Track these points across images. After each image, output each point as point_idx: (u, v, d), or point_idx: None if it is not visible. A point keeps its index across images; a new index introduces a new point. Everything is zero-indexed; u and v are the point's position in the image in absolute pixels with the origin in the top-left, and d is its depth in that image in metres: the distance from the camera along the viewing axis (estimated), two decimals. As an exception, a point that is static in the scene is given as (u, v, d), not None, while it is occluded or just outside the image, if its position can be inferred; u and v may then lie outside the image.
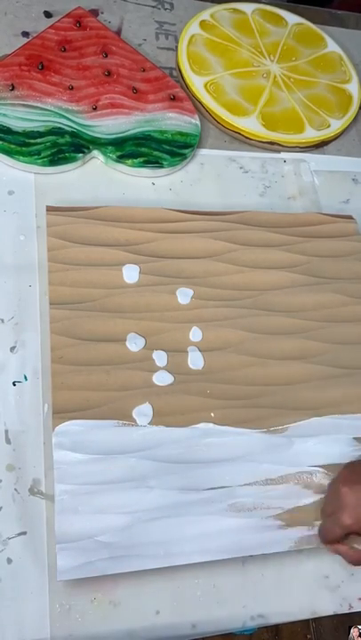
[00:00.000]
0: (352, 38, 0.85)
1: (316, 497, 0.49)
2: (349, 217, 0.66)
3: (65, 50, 0.65)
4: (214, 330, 0.55)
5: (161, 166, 0.63)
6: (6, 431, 0.48)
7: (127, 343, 0.52)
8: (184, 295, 0.55)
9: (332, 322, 0.58)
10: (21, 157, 0.58)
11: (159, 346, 0.52)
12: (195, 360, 0.53)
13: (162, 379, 0.51)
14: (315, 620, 0.48)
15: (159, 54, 0.73)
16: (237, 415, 0.51)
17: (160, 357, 0.52)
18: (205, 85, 0.70)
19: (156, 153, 0.63)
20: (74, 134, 0.60)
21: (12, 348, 0.51)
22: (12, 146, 0.58)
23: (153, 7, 0.76)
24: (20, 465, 0.47)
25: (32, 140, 0.59)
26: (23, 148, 0.58)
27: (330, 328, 0.58)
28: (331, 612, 0.48)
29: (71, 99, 0.62)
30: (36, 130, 0.59)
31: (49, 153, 0.59)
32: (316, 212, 0.66)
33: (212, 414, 0.51)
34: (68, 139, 0.60)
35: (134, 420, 0.49)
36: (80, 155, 0.60)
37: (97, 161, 0.62)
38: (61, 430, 0.47)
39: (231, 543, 0.46)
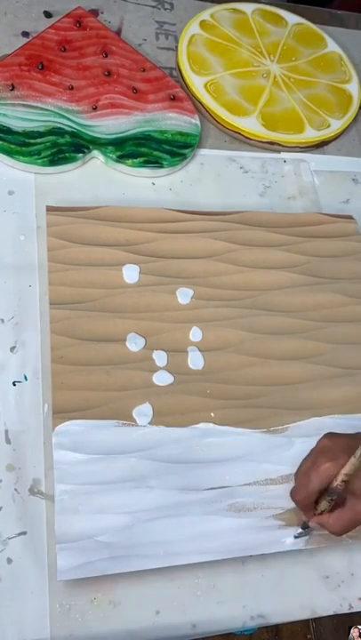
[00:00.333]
0: (352, 38, 0.85)
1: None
2: (349, 217, 0.66)
3: (65, 50, 0.65)
4: (214, 330, 0.55)
5: (161, 166, 0.63)
6: (6, 431, 0.48)
7: (127, 343, 0.52)
8: (184, 295, 0.55)
9: (331, 322, 0.58)
10: (21, 157, 0.58)
11: (159, 346, 0.52)
12: (195, 360, 0.53)
13: (162, 379, 0.51)
14: (315, 619, 0.48)
15: (159, 54, 0.73)
16: (237, 415, 0.51)
17: (160, 357, 0.52)
18: (205, 85, 0.70)
19: (156, 153, 0.63)
20: (74, 134, 0.60)
21: (12, 348, 0.51)
22: (12, 146, 0.58)
23: (153, 7, 0.76)
24: (20, 465, 0.47)
25: (32, 140, 0.59)
26: (23, 148, 0.58)
27: (330, 328, 0.58)
28: (331, 612, 0.48)
29: (71, 99, 0.62)
30: (36, 130, 0.59)
31: (49, 153, 0.59)
32: (316, 212, 0.67)
33: (212, 414, 0.51)
34: (68, 139, 0.60)
35: (134, 420, 0.49)
36: (80, 155, 0.60)
37: (97, 161, 0.62)
38: (61, 430, 0.47)
39: (231, 543, 0.46)
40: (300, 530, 0.47)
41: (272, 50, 0.77)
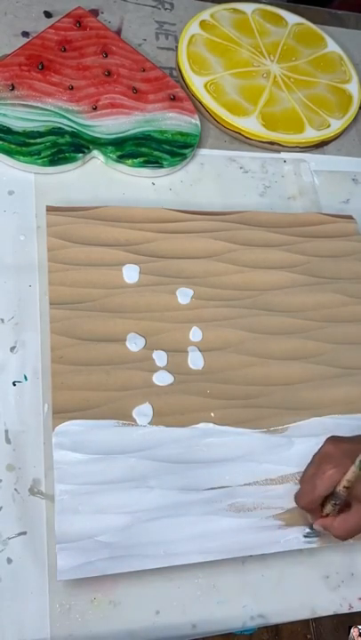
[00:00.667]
0: (352, 38, 0.85)
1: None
2: (349, 217, 0.66)
3: (65, 50, 0.65)
4: (214, 330, 0.55)
5: (161, 166, 0.63)
6: (6, 431, 0.48)
7: (127, 343, 0.52)
8: (184, 295, 0.55)
9: (332, 322, 0.58)
10: (21, 157, 0.58)
11: (159, 346, 0.52)
12: (195, 360, 0.53)
13: (162, 379, 0.51)
14: (315, 619, 0.48)
15: (159, 54, 0.73)
16: (237, 415, 0.51)
17: (160, 357, 0.52)
18: (205, 85, 0.70)
19: (156, 153, 0.63)
20: (74, 134, 0.60)
21: (12, 348, 0.51)
22: (12, 146, 0.58)
23: (153, 7, 0.76)
24: (20, 465, 0.47)
25: (32, 140, 0.59)
26: (23, 148, 0.58)
27: (330, 328, 0.58)
28: (331, 612, 0.48)
29: (71, 99, 0.62)
30: (36, 130, 0.59)
31: (49, 153, 0.59)
32: (317, 212, 0.67)
33: (212, 414, 0.51)
34: (68, 139, 0.60)
35: (134, 420, 0.49)
36: (80, 155, 0.60)
37: (97, 161, 0.62)
38: (61, 430, 0.47)
39: (231, 543, 0.46)
40: (307, 530, 0.47)
41: (272, 50, 0.77)
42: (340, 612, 0.48)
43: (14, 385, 0.49)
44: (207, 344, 0.54)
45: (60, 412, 0.48)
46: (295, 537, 0.48)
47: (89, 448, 0.47)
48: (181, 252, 0.58)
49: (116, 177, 0.62)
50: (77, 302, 0.52)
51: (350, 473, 0.43)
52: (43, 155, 0.59)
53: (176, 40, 0.74)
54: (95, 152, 0.62)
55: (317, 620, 0.48)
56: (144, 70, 0.67)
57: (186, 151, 0.64)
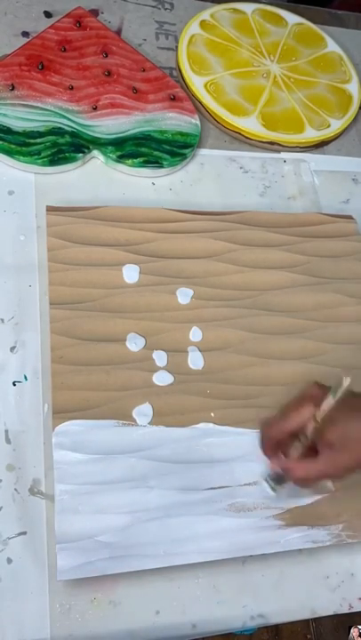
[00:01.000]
0: (352, 38, 0.85)
1: (317, 497, 0.49)
2: (349, 217, 0.66)
3: (65, 50, 0.65)
4: (214, 330, 0.55)
5: (161, 166, 0.63)
6: (6, 431, 0.48)
7: (127, 343, 0.52)
8: (184, 295, 0.55)
9: (332, 322, 0.58)
10: (21, 157, 0.58)
11: (159, 346, 0.52)
12: (195, 360, 0.53)
13: (162, 379, 0.51)
14: (315, 619, 0.48)
15: (159, 54, 0.73)
16: (237, 415, 0.51)
17: (160, 357, 0.52)
18: (205, 85, 0.70)
19: (156, 153, 0.63)
20: (74, 134, 0.60)
21: (12, 348, 0.51)
22: (12, 146, 0.58)
23: (153, 7, 0.76)
24: (20, 465, 0.47)
25: (32, 140, 0.59)
26: (23, 148, 0.58)
27: (330, 328, 0.58)
28: (331, 612, 0.48)
29: (71, 99, 0.62)
30: (36, 130, 0.59)
31: (49, 153, 0.59)
32: (317, 212, 0.66)
33: (212, 414, 0.51)
34: (68, 139, 0.60)
35: (134, 420, 0.49)
36: (80, 155, 0.60)
37: (97, 161, 0.62)
38: (61, 430, 0.47)
39: (231, 543, 0.46)
40: (268, 472, 0.47)
41: (272, 50, 0.77)
42: (340, 612, 0.48)
43: (14, 385, 0.49)
44: (207, 344, 0.54)
45: (60, 412, 0.48)
46: (295, 537, 0.48)
47: (89, 448, 0.47)
48: (181, 252, 0.58)
49: (116, 177, 0.62)
50: (77, 302, 0.52)
51: (325, 403, 0.42)
52: (43, 155, 0.59)
53: (176, 40, 0.74)
54: (95, 152, 0.62)
55: (317, 620, 0.48)
56: (144, 70, 0.67)
57: (186, 151, 0.64)
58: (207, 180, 0.66)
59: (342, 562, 0.50)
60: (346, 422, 0.42)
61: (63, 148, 0.59)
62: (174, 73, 0.72)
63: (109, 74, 0.65)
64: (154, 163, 0.62)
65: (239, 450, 0.50)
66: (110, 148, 0.61)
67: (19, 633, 0.42)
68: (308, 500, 0.49)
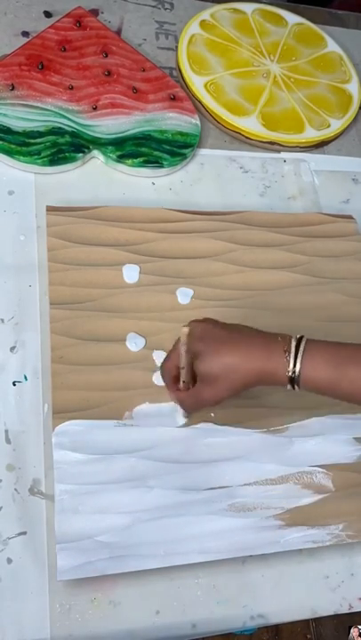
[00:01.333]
0: (352, 38, 0.85)
1: (317, 497, 0.49)
2: (349, 217, 0.66)
3: (65, 50, 0.65)
4: (214, 330, 0.54)
5: (161, 166, 0.63)
6: (6, 431, 0.48)
7: (127, 343, 0.52)
8: (184, 295, 0.55)
9: (332, 322, 0.58)
10: (21, 157, 0.58)
11: (159, 346, 0.52)
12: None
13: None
14: (315, 619, 0.48)
15: (159, 54, 0.73)
16: (237, 415, 0.51)
17: (160, 357, 0.52)
18: (205, 85, 0.70)
19: (156, 153, 0.63)
20: (74, 134, 0.60)
21: (12, 348, 0.51)
22: (12, 146, 0.58)
23: (153, 7, 0.76)
24: (20, 465, 0.47)
25: (32, 140, 0.59)
26: (23, 148, 0.58)
27: (330, 328, 0.58)
28: (331, 612, 0.48)
29: (71, 98, 0.62)
30: (36, 130, 0.59)
31: (49, 153, 0.59)
32: (317, 211, 0.66)
33: (212, 414, 0.51)
34: (68, 138, 0.60)
35: (134, 420, 0.49)
36: (80, 155, 0.60)
37: (97, 161, 0.62)
38: (61, 430, 0.47)
39: (231, 543, 0.46)
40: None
41: (272, 50, 0.77)
42: (340, 612, 0.48)
43: (14, 385, 0.49)
44: (207, 344, 0.54)
45: (60, 412, 0.48)
46: (295, 537, 0.48)
47: (89, 448, 0.47)
48: (181, 252, 0.58)
49: (116, 177, 0.62)
50: (77, 302, 0.52)
51: (181, 347, 0.43)
52: (43, 155, 0.58)
53: (176, 40, 0.74)
54: (95, 152, 0.61)
55: (317, 620, 0.48)
56: (144, 70, 0.67)
57: (186, 151, 0.64)
58: (207, 179, 0.66)
59: (342, 562, 0.50)
60: (210, 356, 0.43)
61: (63, 147, 0.59)
62: (174, 73, 0.72)
63: (109, 74, 0.65)
64: (154, 163, 0.62)
65: (239, 450, 0.50)
66: (110, 147, 0.61)
67: (19, 633, 0.42)
68: (308, 499, 0.49)
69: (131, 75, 0.66)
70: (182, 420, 0.50)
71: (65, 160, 0.59)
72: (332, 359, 0.43)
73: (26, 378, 0.50)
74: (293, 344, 0.43)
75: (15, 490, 0.46)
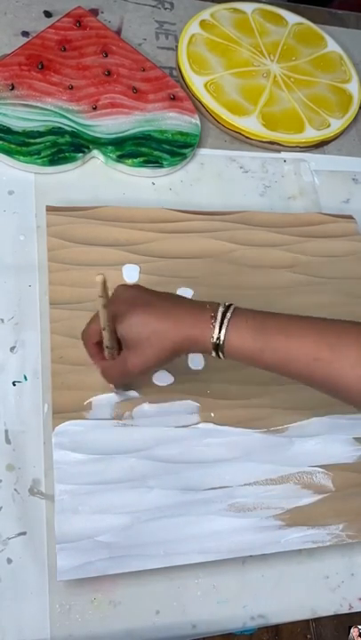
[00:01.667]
0: (352, 38, 0.85)
1: (317, 497, 0.49)
2: (350, 217, 0.66)
3: (65, 49, 0.65)
4: (214, 330, 0.54)
5: (161, 166, 0.63)
6: (6, 431, 0.48)
7: (127, 343, 0.52)
8: (184, 295, 0.55)
9: (332, 322, 0.58)
10: (21, 157, 0.58)
11: (159, 346, 0.52)
12: (195, 360, 0.53)
13: (162, 379, 0.51)
14: (315, 619, 0.48)
15: (159, 54, 0.73)
16: (237, 415, 0.51)
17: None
18: (205, 85, 0.70)
19: (156, 153, 0.63)
20: (74, 134, 0.60)
21: (12, 348, 0.51)
22: (12, 146, 0.58)
23: (153, 7, 0.76)
24: (20, 465, 0.47)
25: (32, 140, 0.59)
26: (23, 148, 0.58)
27: (330, 328, 0.58)
28: (331, 612, 0.48)
29: (71, 98, 0.62)
30: (35, 129, 0.59)
31: (49, 153, 0.59)
32: (317, 211, 0.66)
33: (212, 414, 0.51)
34: (68, 138, 0.60)
35: (134, 421, 0.49)
36: (80, 154, 0.60)
37: (97, 161, 0.62)
38: (61, 430, 0.47)
39: (231, 543, 0.46)
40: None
41: (272, 49, 0.77)
42: (340, 613, 0.48)
43: (14, 385, 0.49)
44: (207, 344, 0.54)
45: (60, 412, 0.48)
46: (295, 537, 0.48)
47: (89, 448, 0.47)
48: (181, 251, 0.58)
49: (116, 177, 0.62)
50: (77, 302, 0.52)
51: (97, 304, 0.40)
52: (43, 154, 0.58)
53: (176, 40, 0.74)
54: (95, 152, 0.61)
55: (317, 620, 0.48)
56: (144, 70, 0.67)
57: (186, 151, 0.64)
58: (207, 179, 0.66)
59: (342, 562, 0.50)
60: (138, 320, 0.41)
61: (63, 147, 0.59)
62: (174, 73, 0.72)
63: (109, 73, 0.65)
64: (154, 162, 0.62)
65: (239, 450, 0.50)
66: (110, 147, 0.61)
67: (19, 633, 0.42)
68: (308, 500, 0.49)
69: (131, 74, 0.66)
70: (116, 398, 0.48)
71: (65, 160, 0.59)
72: (258, 328, 0.42)
73: (26, 378, 0.50)
74: (220, 311, 0.42)
75: (15, 490, 0.46)
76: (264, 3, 0.82)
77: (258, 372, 0.54)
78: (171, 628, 0.45)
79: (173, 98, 0.66)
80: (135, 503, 0.46)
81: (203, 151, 0.68)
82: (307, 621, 0.48)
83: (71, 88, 0.63)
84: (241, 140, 0.70)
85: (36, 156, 0.58)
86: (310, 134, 0.71)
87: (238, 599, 0.47)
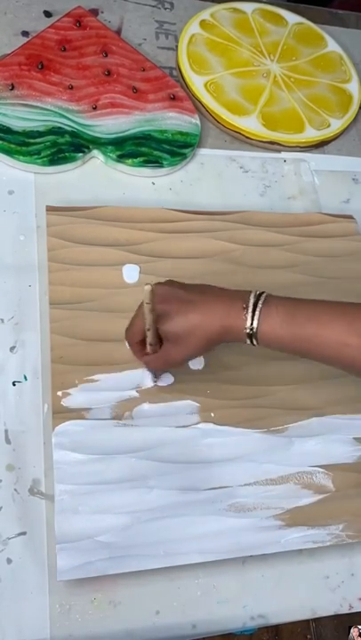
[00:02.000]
0: (352, 38, 0.85)
1: (317, 497, 0.49)
2: (350, 217, 0.66)
3: (65, 49, 0.65)
4: (214, 330, 0.54)
5: (161, 166, 0.63)
6: (6, 431, 0.48)
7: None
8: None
9: (332, 322, 0.58)
10: (21, 157, 0.58)
11: (159, 346, 0.52)
12: (195, 360, 0.53)
13: (162, 379, 0.51)
14: (315, 620, 0.48)
15: (159, 54, 0.73)
16: (237, 415, 0.51)
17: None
18: (205, 85, 0.70)
19: (156, 152, 0.63)
20: (74, 134, 0.60)
21: (12, 348, 0.51)
22: (12, 145, 0.58)
23: (153, 7, 0.76)
24: (20, 465, 0.47)
25: (32, 140, 0.59)
26: (23, 148, 0.58)
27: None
28: (331, 612, 0.48)
29: (71, 98, 0.62)
30: (35, 129, 0.59)
31: (49, 153, 0.59)
32: (317, 211, 0.66)
33: (212, 414, 0.51)
34: (67, 138, 0.60)
35: (134, 421, 0.49)
36: (80, 154, 0.60)
37: (97, 161, 0.62)
38: (61, 430, 0.47)
39: (231, 543, 0.46)
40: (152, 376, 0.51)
41: (272, 49, 0.77)
42: (340, 613, 0.48)
43: (14, 385, 0.49)
44: (207, 344, 0.54)
45: (60, 412, 0.48)
46: (295, 537, 0.48)
47: (89, 448, 0.47)
48: (182, 251, 0.58)
49: (115, 177, 0.62)
50: (77, 302, 0.52)
51: (145, 308, 0.43)
52: (43, 154, 0.58)
53: (176, 40, 0.74)
54: (95, 152, 0.61)
55: (317, 620, 0.48)
56: (144, 70, 0.67)
57: (186, 151, 0.64)
58: (207, 179, 0.66)
59: (342, 562, 0.50)
60: (175, 316, 0.44)
61: (63, 147, 0.59)
62: (174, 72, 0.72)
63: (109, 73, 0.65)
64: (154, 162, 0.62)
65: (239, 450, 0.50)
66: (110, 147, 0.61)
67: (19, 633, 0.42)
68: (308, 500, 0.49)
69: (131, 74, 0.66)
70: (151, 383, 0.50)
71: (65, 160, 0.59)
72: (288, 316, 0.43)
73: (26, 378, 0.50)
74: (252, 300, 0.44)
75: (15, 490, 0.46)
76: (264, 3, 0.81)
77: (258, 373, 0.54)
78: (171, 628, 0.45)
79: (173, 98, 0.66)
80: (135, 503, 0.46)
81: (203, 151, 0.68)
82: (307, 621, 0.48)
83: (71, 88, 0.63)
84: (241, 139, 0.70)
85: (35, 156, 0.58)
86: (310, 134, 0.71)
87: (238, 599, 0.47)
